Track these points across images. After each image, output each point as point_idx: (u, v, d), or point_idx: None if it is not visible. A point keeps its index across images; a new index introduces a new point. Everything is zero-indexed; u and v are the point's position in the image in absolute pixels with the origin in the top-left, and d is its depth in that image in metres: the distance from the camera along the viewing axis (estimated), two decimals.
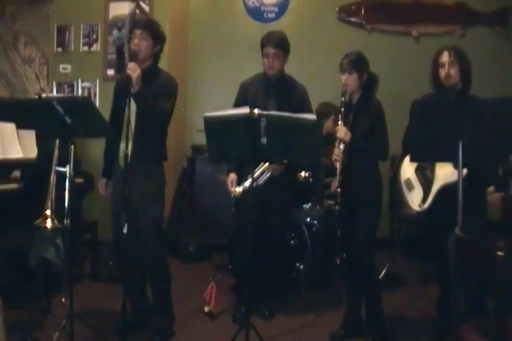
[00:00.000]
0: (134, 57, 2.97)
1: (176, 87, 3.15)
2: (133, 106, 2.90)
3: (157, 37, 3.08)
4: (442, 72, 2.96)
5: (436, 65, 3.00)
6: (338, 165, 3.03)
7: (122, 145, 2.92)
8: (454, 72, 2.94)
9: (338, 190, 3.04)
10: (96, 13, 5.17)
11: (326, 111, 4.20)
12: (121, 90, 3.08)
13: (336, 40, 5.34)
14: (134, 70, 2.83)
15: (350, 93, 3.11)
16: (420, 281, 4.24)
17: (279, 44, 3.34)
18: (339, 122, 3.06)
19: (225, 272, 4.25)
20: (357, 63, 3.04)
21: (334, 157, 3.05)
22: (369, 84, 3.09)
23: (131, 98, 2.82)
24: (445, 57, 2.95)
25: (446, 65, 2.94)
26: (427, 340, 3.18)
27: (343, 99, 3.08)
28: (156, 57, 3.14)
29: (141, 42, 3.03)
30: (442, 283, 3.11)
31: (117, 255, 3.36)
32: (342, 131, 3.01)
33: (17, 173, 3.75)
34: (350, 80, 3.06)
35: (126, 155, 2.79)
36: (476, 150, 2.45)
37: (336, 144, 3.04)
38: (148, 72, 3.05)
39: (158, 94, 3.00)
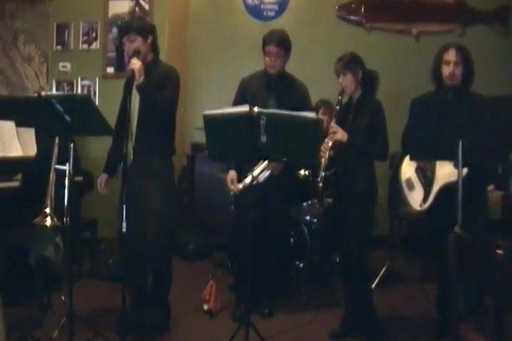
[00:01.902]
0: (136, 54, 2.98)
1: (177, 76, 3.15)
2: (134, 102, 2.93)
3: (143, 31, 3.08)
4: (446, 70, 2.93)
5: (440, 61, 2.96)
6: (323, 160, 3.02)
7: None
8: (458, 72, 2.91)
9: (320, 184, 3.04)
10: (95, 11, 5.17)
11: (316, 105, 4.17)
12: (125, 88, 3.13)
13: (336, 39, 5.34)
14: (135, 63, 2.88)
15: (350, 94, 3.11)
16: (420, 280, 4.24)
17: (281, 42, 3.34)
18: (332, 122, 3.04)
19: (225, 270, 4.26)
20: (348, 63, 3.04)
21: (321, 153, 3.04)
22: (368, 81, 3.09)
23: (131, 94, 2.85)
24: (452, 56, 2.92)
25: (452, 64, 2.90)
26: (426, 339, 3.18)
27: (340, 97, 3.08)
28: (153, 48, 3.15)
29: (132, 45, 3.04)
30: (442, 282, 3.11)
31: (121, 252, 3.32)
32: (339, 133, 2.99)
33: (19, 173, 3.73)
34: (345, 81, 3.05)
35: (125, 155, 2.79)
36: (476, 148, 2.45)
37: (326, 140, 3.02)
38: (150, 65, 3.08)
39: (159, 85, 3.01)
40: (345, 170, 3.07)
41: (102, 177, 3.24)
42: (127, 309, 2.94)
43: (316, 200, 3.05)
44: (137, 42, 3.05)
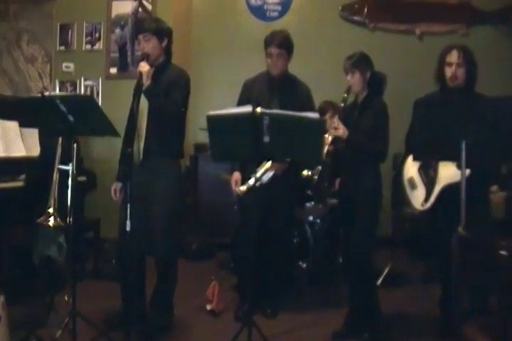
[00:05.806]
0: (145, 58, 2.99)
1: (187, 79, 3.15)
2: (145, 103, 2.93)
3: (160, 33, 3.09)
4: (448, 71, 2.93)
5: (442, 63, 2.97)
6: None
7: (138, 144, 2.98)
8: (460, 73, 2.91)
9: (316, 177, 3.07)
10: (99, 11, 5.18)
11: (323, 107, 4.19)
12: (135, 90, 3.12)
13: (339, 39, 5.34)
14: (143, 66, 2.89)
15: (356, 93, 3.12)
16: (423, 280, 4.24)
17: (282, 44, 3.34)
18: (335, 118, 3.05)
19: (228, 270, 4.26)
20: (357, 62, 3.06)
21: None
22: (374, 82, 3.09)
23: (140, 95, 2.85)
24: (454, 58, 2.92)
25: (454, 66, 2.91)
26: (429, 339, 3.17)
27: (345, 95, 3.08)
28: (166, 52, 3.16)
29: (146, 45, 3.06)
30: (445, 282, 3.11)
31: (120, 252, 3.29)
32: (340, 129, 2.99)
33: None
34: (353, 80, 3.06)
35: (130, 154, 2.79)
36: (480, 149, 2.44)
37: (327, 135, 3.01)
38: (160, 67, 3.09)
39: (168, 89, 3.02)
40: (351, 171, 3.08)
41: (116, 187, 3.15)
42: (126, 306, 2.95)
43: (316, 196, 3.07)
44: (152, 43, 3.06)
